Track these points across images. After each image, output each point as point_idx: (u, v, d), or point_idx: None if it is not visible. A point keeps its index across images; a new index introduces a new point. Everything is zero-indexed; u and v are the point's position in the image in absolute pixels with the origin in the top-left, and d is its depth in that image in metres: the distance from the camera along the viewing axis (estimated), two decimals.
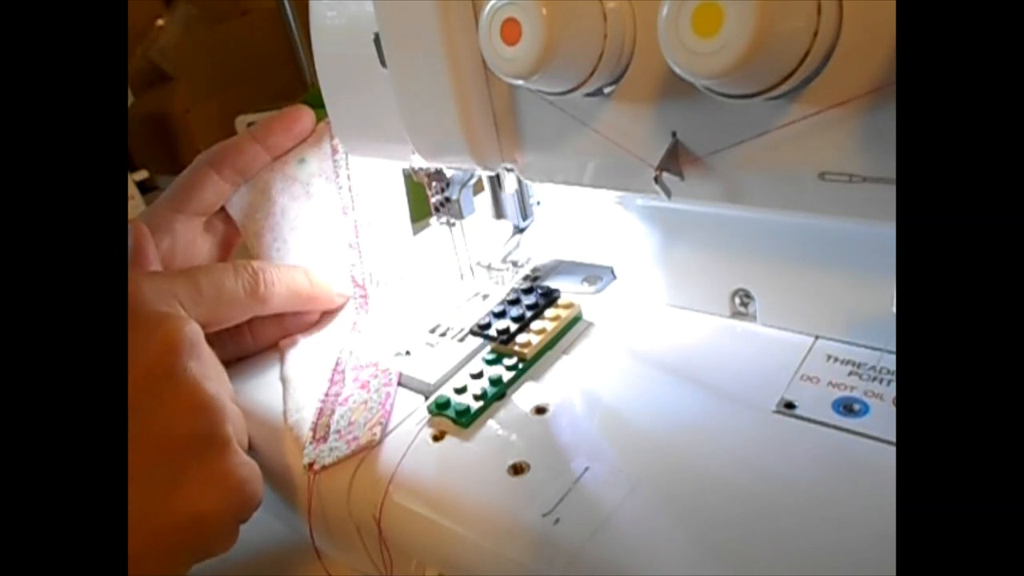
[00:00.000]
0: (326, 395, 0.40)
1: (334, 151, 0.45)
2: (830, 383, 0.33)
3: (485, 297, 0.46)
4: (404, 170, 0.47)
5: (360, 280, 0.45)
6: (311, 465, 0.36)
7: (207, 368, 0.34)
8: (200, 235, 0.46)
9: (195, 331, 0.34)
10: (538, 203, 0.50)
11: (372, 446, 0.36)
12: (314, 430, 0.38)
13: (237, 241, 0.48)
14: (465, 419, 0.36)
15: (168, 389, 0.32)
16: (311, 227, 0.45)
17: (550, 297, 0.42)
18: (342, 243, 0.46)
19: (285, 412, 0.40)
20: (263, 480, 0.36)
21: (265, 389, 0.43)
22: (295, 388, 0.41)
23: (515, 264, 0.48)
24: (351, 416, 0.38)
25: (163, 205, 0.45)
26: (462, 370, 0.40)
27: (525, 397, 0.37)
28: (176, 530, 0.31)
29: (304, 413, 0.39)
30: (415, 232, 0.56)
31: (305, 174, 0.45)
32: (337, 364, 0.42)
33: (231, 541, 0.34)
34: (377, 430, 0.36)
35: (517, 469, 0.32)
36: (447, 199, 0.44)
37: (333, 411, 0.39)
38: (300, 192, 0.45)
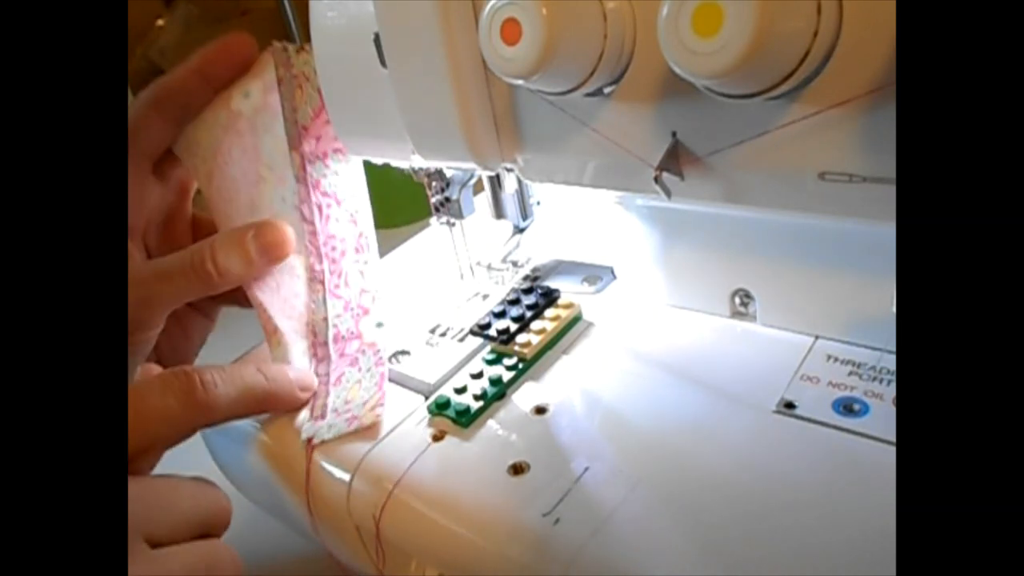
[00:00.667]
0: (316, 374, 0.40)
1: (280, 82, 0.42)
2: (830, 383, 0.33)
3: (485, 297, 0.46)
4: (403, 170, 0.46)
5: (309, 216, 0.42)
6: (309, 440, 0.37)
7: None
8: (151, 181, 0.43)
9: None
10: (538, 203, 0.50)
11: (374, 426, 0.37)
12: (311, 409, 0.39)
13: (192, 185, 0.45)
14: (465, 419, 0.36)
15: None
16: (259, 165, 0.42)
17: (550, 297, 0.42)
18: (290, 179, 0.42)
19: None
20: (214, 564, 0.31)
21: None
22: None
23: (515, 264, 0.49)
24: (347, 395, 0.39)
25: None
26: (462, 370, 0.40)
27: (525, 397, 0.37)
28: None
29: None
30: (415, 232, 0.56)
31: (250, 108, 0.42)
32: (316, 336, 0.41)
33: None
34: (379, 411, 0.37)
35: (517, 469, 0.32)
36: (447, 199, 0.44)
37: (328, 392, 0.39)
38: (246, 128, 0.42)
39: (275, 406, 0.39)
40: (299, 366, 0.40)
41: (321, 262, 0.41)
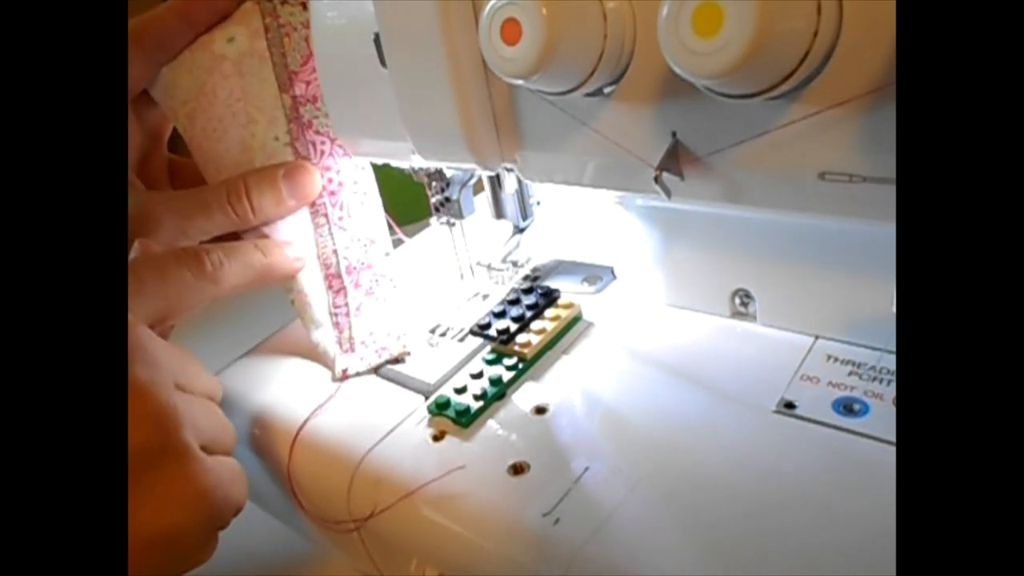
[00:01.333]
0: (334, 306, 0.42)
1: (267, 30, 0.42)
2: (830, 383, 0.33)
3: (485, 297, 0.46)
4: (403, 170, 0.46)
5: (304, 152, 0.42)
6: (344, 371, 0.41)
7: (155, 371, 0.32)
8: (129, 121, 0.43)
9: (140, 334, 0.32)
10: (538, 203, 0.50)
11: (404, 355, 0.42)
12: (340, 343, 0.42)
13: (167, 127, 0.46)
14: (465, 419, 0.36)
15: None
16: (248, 106, 0.42)
17: (550, 297, 0.42)
18: (281, 119, 0.43)
19: (307, 329, 0.43)
20: (242, 477, 0.35)
21: (264, 388, 0.43)
22: (308, 304, 0.42)
23: (515, 264, 0.48)
24: (370, 327, 0.42)
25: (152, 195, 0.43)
26: (462, 370, 0.40)
27: (525, 397, 0.37)
28: (142, 549, 0.30)
29: (323, 329, 0.42)
30: (415, 232, 0.56)
31: (235, 52, 0.42)
32: (328, 268, 0.42)
33: (208, 551, 0.33)
34: (405, 342, 0.42)
35: (517, 469, 0.32)
36: (447, 199, 0.44)
37: (350, 324, 0.42)
38: (231, 71, 0.42)
39: (274, 277, 0.41)
40: (317, 297, 0.42)
41: (321, 196, 0.42)
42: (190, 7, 0.42)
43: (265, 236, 0.42)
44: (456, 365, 0.40)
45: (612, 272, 0.45)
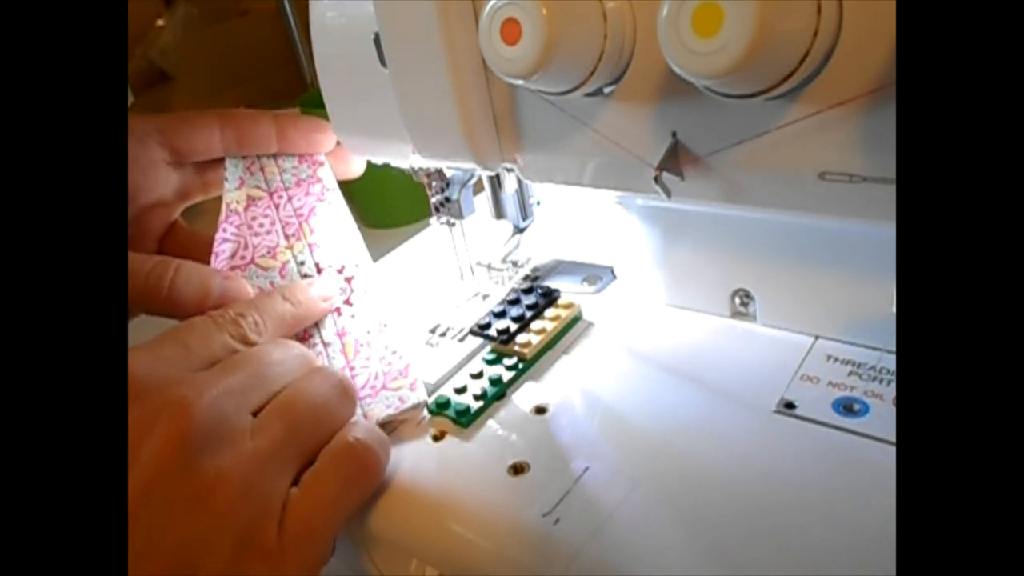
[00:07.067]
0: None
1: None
2: (830, 383, 0.33)
3: (485, 297, 0.46)
4: (403, 170, 0.46)
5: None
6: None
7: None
8: (160, 165, 0.42)
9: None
10: (538, 203, 0.50)
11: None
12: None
13: (193, 198, 0.45)
14: (465, 419, 0.36)
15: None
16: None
17: (550, 297, 0.42)
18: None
19: None
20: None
21: None
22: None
23: (515, 264, 0.49)
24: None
25: (145, 117, 0.42)
26: (462, 370, 0.40)
27: (525, 397, 0.37)
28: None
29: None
30: (415, 232, 0.56)
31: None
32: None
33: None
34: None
35: (517, 469, 0.32)
36: (447, 199, 0.44)
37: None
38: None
39: (307, 323, 0.40)
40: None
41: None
42: (289, 126, 0.43)
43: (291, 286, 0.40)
44: (456, 365, 0.40)
45: (612, 272, 0.45)
